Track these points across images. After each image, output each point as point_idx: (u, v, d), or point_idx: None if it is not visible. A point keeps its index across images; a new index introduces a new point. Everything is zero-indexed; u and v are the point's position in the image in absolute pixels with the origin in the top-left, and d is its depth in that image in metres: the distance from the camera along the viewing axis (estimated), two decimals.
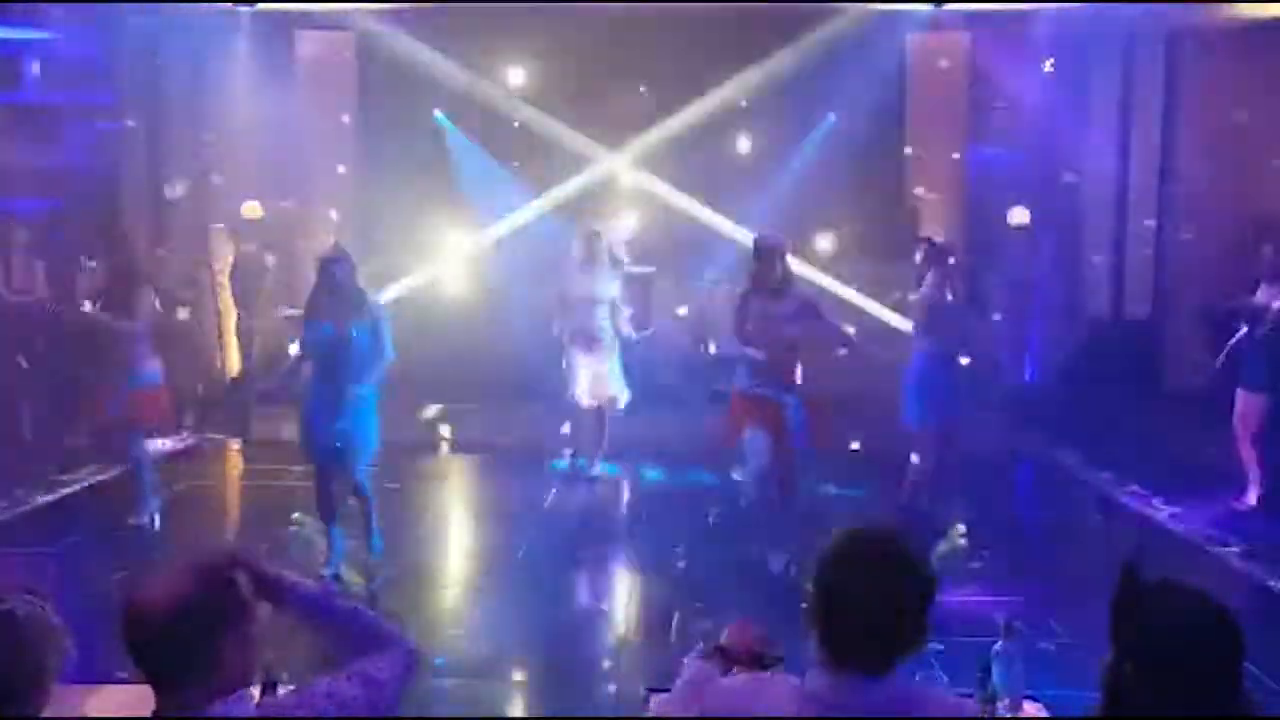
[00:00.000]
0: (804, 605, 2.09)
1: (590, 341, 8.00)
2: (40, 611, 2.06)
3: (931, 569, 2.05)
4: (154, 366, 7.18)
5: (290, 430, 6.69)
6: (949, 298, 7.08)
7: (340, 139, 11.22)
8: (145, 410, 7.20)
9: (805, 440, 6.30)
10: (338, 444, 6.21)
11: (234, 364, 11.10)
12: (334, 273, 6.17)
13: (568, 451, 8.56)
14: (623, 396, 8.24)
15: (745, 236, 10.54)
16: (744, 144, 11.36)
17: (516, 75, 11.05)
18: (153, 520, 7.24)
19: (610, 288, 8.08)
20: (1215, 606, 1.89)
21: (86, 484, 8.02)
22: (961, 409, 7.30)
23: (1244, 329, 7.53)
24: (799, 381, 6.30)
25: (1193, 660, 1.84)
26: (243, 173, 10.73)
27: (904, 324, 10.20)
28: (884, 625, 2.00)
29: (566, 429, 8.57)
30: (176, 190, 10.74)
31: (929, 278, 7.13)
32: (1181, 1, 9.84)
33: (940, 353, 7.08)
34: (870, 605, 1.99)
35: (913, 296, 7.30)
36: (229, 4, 10.11)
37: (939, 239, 7.63)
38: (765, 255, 6.25)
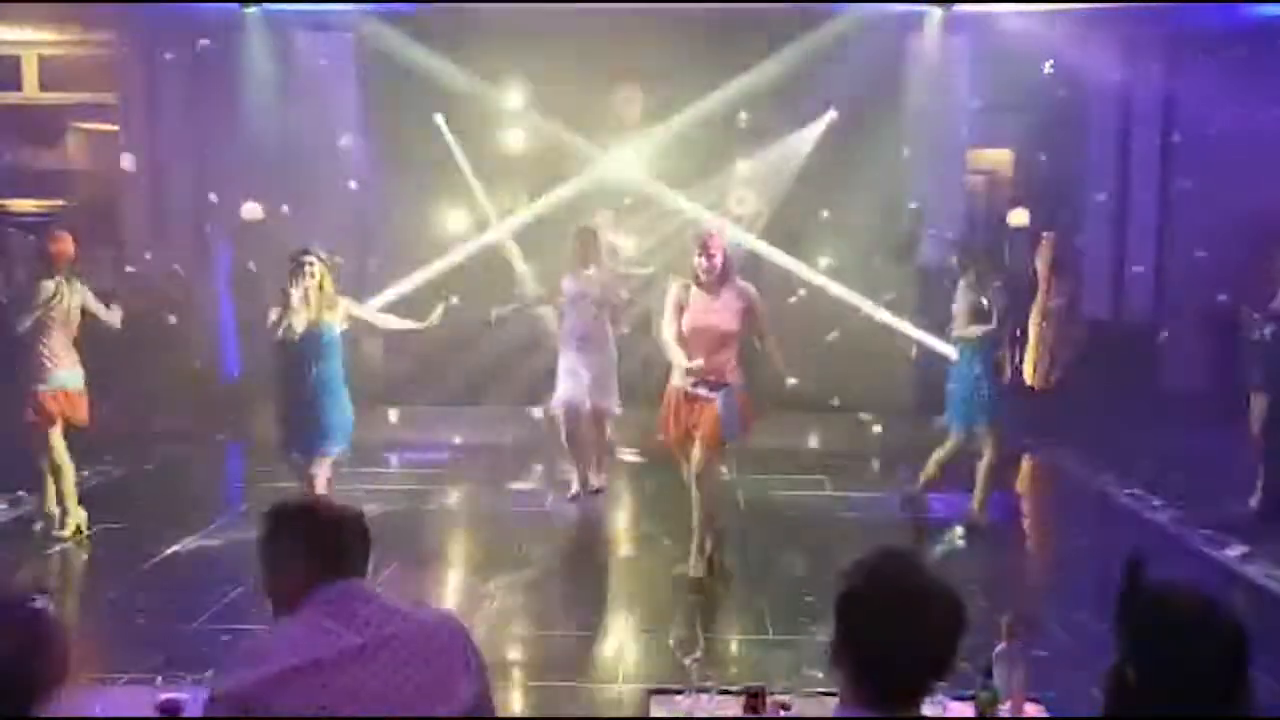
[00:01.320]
0: (827, 639, 1.99)
1: (588, 344, 7.96)
2: (53, 610, 2.08)
3: (959, 597, 1.97)
4: (64, 369, 6.94)
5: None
6: (985, 304, 7.12)
7: (341, 141, 11.21)
8: (50, 413, 6.92)
9: (733, 433, 6.21)
10: (313, 437, 6.42)
11: (235, 364, 11.11)
12: (305, 271, 6.25)
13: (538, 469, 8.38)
14: (615, 402, 8.12)
15: (743, 237, 10.63)
16: (742, 143, 11.33)
17: (515, 77, 11.02)
18: (79, 531, 7.07)
19: (606, 287, 7.99)
20: (1219, 608, 1.88)
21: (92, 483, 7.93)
22: (1006, 405, 7.35)
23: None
24: (734, 378, 6.20)
25: (1195, 663, 1.83)
26: (242, 174, 10.70)
27: (897, 323, 10.27)
28: (914, 660, 1.92)
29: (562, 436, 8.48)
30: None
31: (965, 284, 7.17)
32: (1180, 1, 9.82)
33: (983, 357, 7.13)
34: (900, 640, 1.91)
35: (955, 306, 7.28)
36: (232, 3, 10.11)
37: (975, 248, 7.63)
38: (702, 248, 6.19)
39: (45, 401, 6.91)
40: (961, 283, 7.23)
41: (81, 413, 7.12)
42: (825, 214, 10.92)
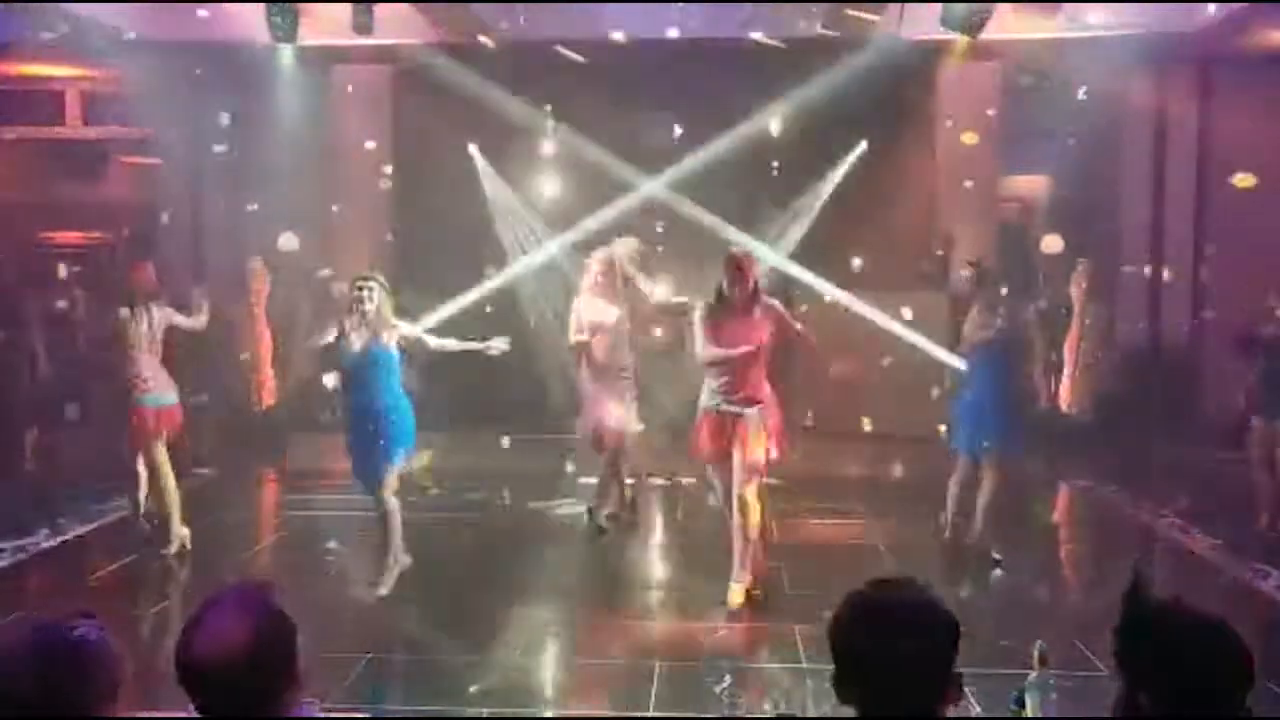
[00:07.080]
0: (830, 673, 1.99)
1: (606, 373, 7.95)
2: (105, 637, 2.04)
3: (949, 615, 1.98)
4: (156, 390, 7.26)
5: (324, 458, 6.76)
6: (998, 322, 7.05)
7: (376, 172, 11.35)
8: (149, 427, 7.23)
9: (766, 453, 6.18)
10: (380, 457, 6.39)
11: (270, 393, 11.23)
12: (365, 295, 6.32)
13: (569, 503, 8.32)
14: (634, 428, 8.09)
15: (781, 263, 10.65)
16: (775, 172, 11.38)
17: (548, 107, 11.11)
18: (182, 549, 7.31)
19: (623, 316, 7.96)
20: (1226, 629, 1.89)
21: (123, 513, 8.00)
22: (1015, 433, 7.23)
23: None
24: (764, 396, 6.23)
25: (1210, 688, 1.84)
26: (280, 205, 10.84)
27: (935, 349, 10.23)
28: (913, 682, 1.92)
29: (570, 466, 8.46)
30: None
31: (977, 303, 7.11)
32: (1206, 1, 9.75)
33: (993, 378, 7.03)
34: (896, 666, 1.91)
35: (965, 325, 7.22)
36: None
37: (986, 262, 7.57)
38: (736, 269, 6.20)
39: (143, 416, 7.22)
40: (975, 305, 7.19)
41: (178, 427, 7.48)
42: (857, 240, 10.93)
